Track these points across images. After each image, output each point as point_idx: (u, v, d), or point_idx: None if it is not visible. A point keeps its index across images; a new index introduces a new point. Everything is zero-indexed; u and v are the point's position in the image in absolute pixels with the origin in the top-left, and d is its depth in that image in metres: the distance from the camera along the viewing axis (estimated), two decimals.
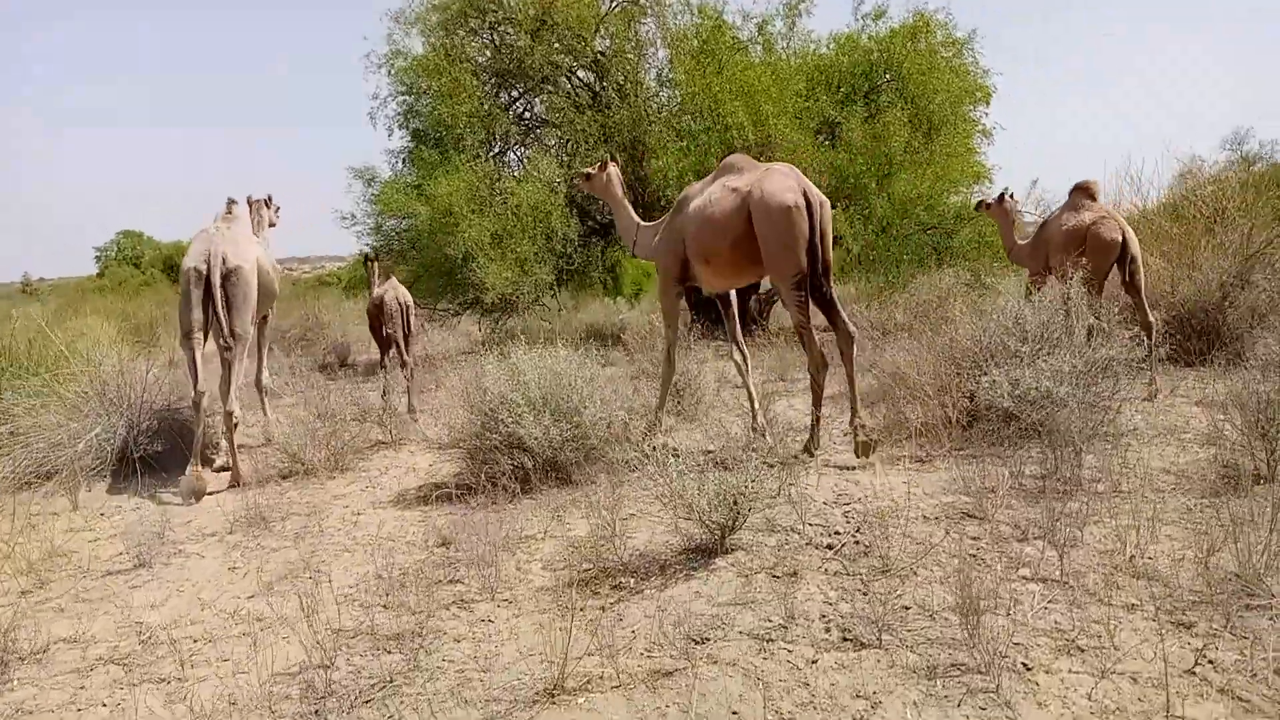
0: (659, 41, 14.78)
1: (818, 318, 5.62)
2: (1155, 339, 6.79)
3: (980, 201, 9.04)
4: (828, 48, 14.52)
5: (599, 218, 15.02)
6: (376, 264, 9.33)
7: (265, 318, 7.70)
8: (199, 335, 6.24)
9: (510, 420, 5.03)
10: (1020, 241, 8.25)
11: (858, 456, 5.40)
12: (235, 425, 6.29)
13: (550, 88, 14.81)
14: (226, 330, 6.19)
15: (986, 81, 14.19)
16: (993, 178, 14.56)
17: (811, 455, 5.56)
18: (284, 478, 6.15)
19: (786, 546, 4.00)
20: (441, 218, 12.58)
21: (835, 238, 12.62)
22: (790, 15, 14.77)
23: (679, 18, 14.64)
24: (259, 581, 4.20)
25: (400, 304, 8.30)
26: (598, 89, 14.69)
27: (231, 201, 7.25)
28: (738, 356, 6.39)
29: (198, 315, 6.19)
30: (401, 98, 15.01)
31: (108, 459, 6.45)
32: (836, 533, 4.15)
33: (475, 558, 4.02)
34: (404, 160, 15.15)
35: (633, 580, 3.74)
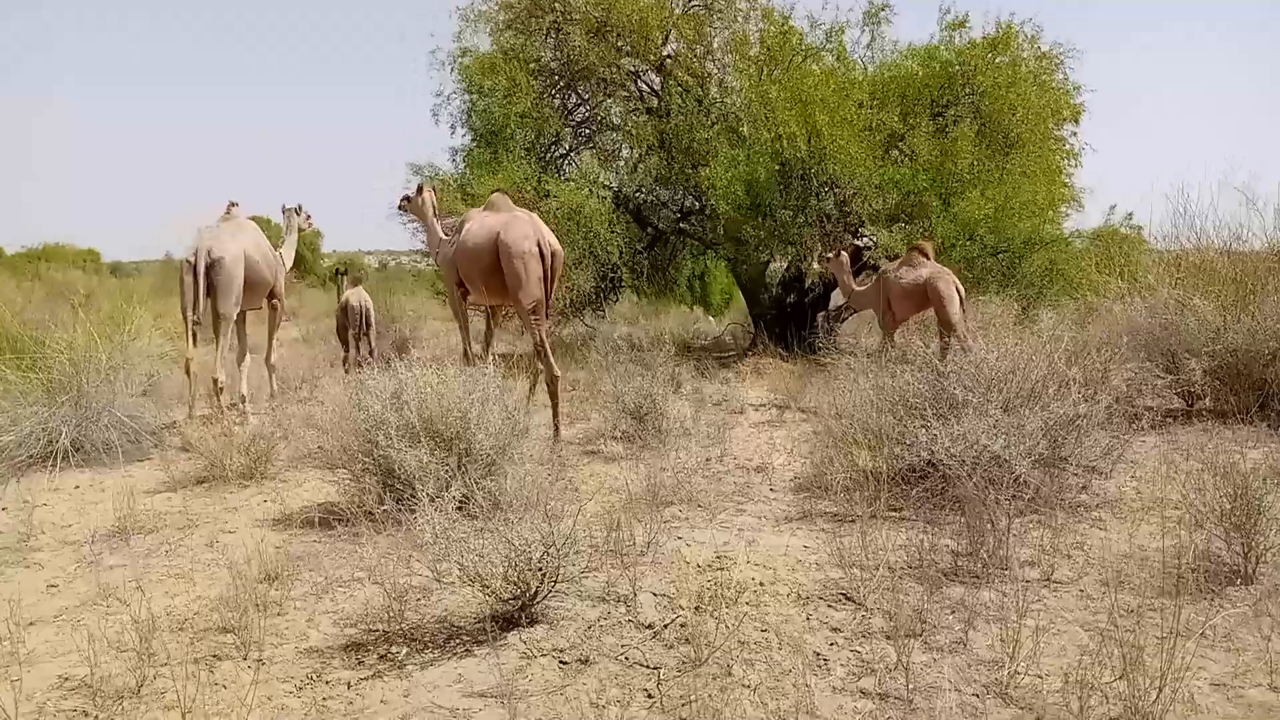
0: (728, 46, 14.23)
1: None
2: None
3: (821, 254, 10.56)
4: (907, 59, 13.61)
5: (658, 224, 14.60)
6: (345, 276, 10.21)
7: None
8: None
9: (385, 444, 4.56)
10: (858, 288, 9.61)
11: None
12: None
13: (620, 90, 14.44)
14: None
15: (1076, 99, 13.05)
16: (1083, 201, 13.39)
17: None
18: (199, 482, 5.87)
19: (603, 622, 3.38)
20: None
21: (894, 256, 11.81)
22: (869, 23, 13.95)
23: (746, 22, 14.06)
24: (45, 610, 3.82)
25: (361, 307, 8.73)
26: (661, 94, 14.22)
27: None
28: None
29: None
30: (465, 95, 14.92)
31: (57, 449, 6.31)
32: (680, 607, 3.52)
33: (269, 601, 3.59)
34: (463, 158, 15.05)
35: (405, 650, 3.21)
